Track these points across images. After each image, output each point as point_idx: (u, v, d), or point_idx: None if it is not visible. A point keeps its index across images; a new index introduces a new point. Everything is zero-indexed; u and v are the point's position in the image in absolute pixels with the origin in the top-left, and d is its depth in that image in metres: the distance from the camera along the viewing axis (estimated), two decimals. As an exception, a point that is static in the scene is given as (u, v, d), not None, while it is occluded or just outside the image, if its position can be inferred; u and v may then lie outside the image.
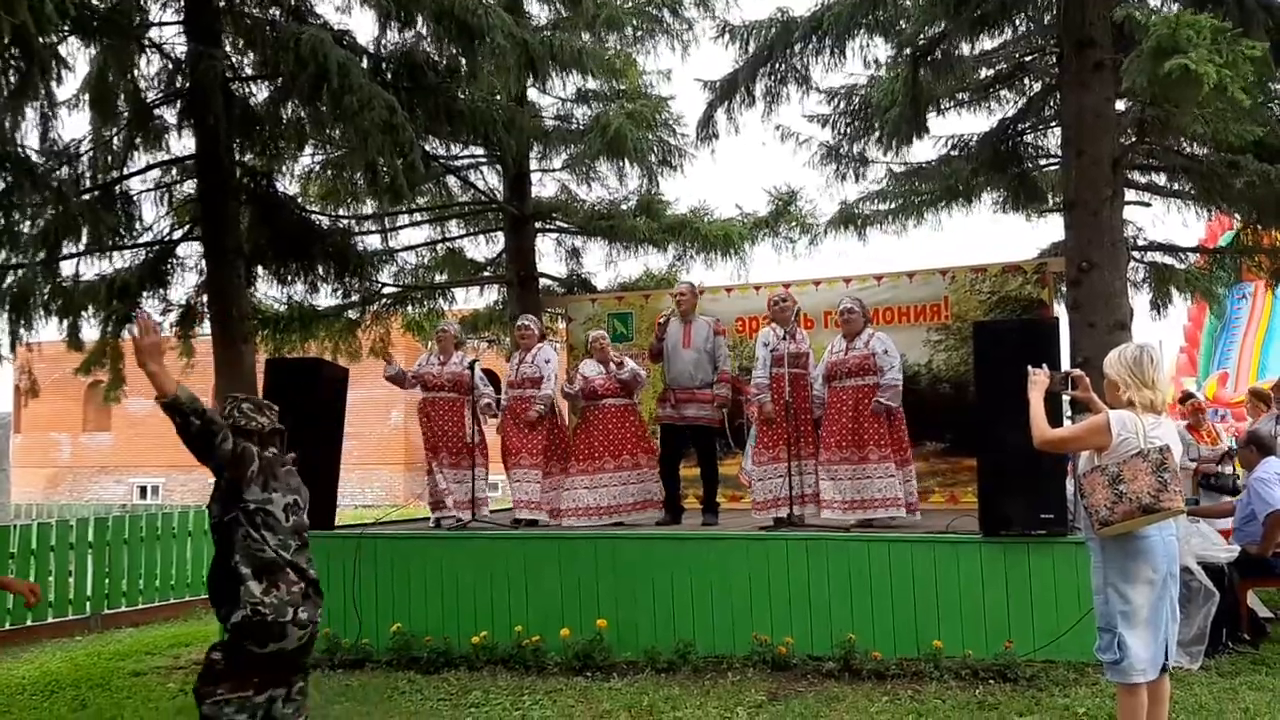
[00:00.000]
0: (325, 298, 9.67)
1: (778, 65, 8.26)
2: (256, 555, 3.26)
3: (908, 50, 7.64)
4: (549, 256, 11.52)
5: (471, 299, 11.75)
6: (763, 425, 6.63)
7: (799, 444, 6.53)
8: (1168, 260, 9.40)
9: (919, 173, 9.51)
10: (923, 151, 14.70)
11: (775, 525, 6.41)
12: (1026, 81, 8.81)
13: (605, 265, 11.91)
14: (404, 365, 7.52)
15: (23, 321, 7.56)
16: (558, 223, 11.19)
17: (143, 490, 25.34)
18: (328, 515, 7.35)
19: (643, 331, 9.44)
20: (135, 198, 8.15)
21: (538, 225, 10.94)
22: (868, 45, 8.07)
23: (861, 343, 6.52)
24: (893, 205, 9.86)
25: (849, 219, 10.13)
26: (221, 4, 7.48)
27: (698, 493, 8.05)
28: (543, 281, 11.20)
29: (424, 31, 7.39)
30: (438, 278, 11.38)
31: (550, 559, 6.39)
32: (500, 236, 11.23)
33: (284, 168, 8.92)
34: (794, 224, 10.50)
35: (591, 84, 9.97)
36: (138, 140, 7.87)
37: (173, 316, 8.55)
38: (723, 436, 8.90)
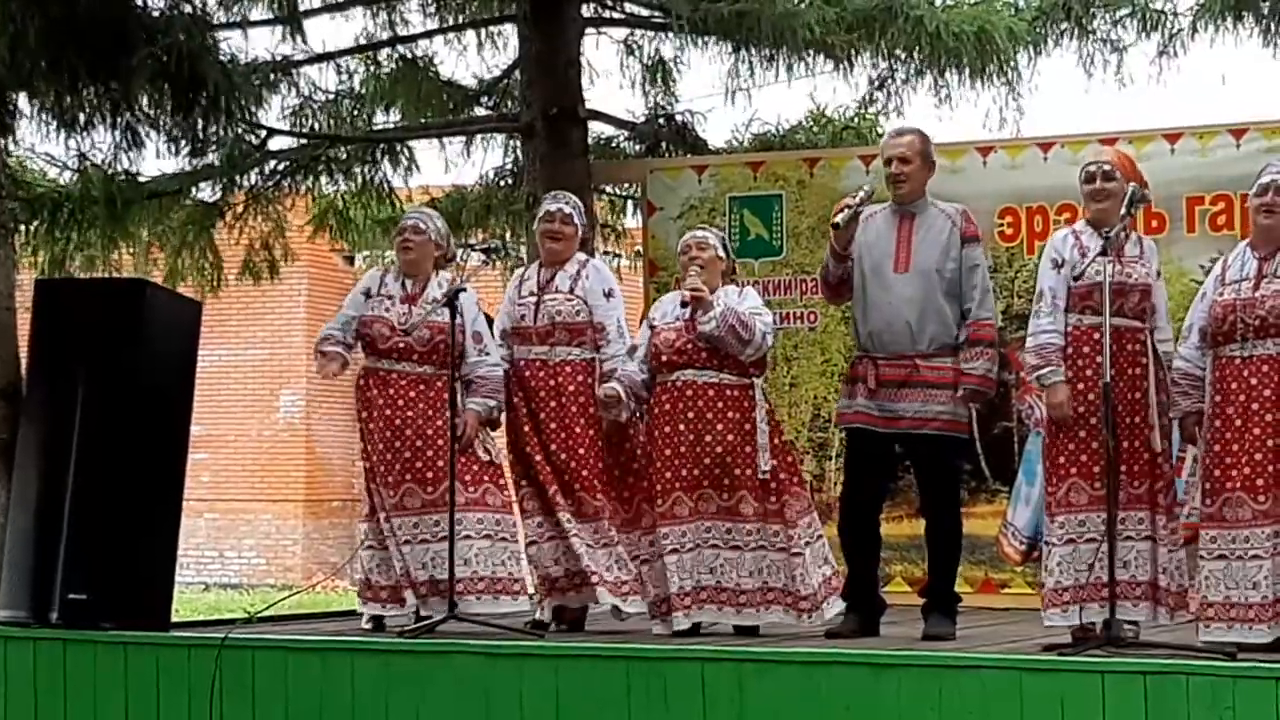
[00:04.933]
0: (157, 158, 9.86)
1: None
2: None
3: None
4: (611, 78, 11.36)
5: (452, 163, 11.80)
6: (1055, 433, 6.71)
7: (1153, 476, 6.63)
8: None
9: None
10: None
11: (1077, 640, 6.52)
12: None
13: (728, 96, 11.72)
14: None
15: None
16: (628, 6, 11.18)
17: None
18: (158, 601, 7.52)
19: (804, 235, 9.46)
20: None
21: (586, 12, 10.99)
22: None
23: None
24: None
25: (1242, 2, 10.26)
26: None
27: (910, 571, 7.91)
28: (596, 128, 11.17)
29: None
30: (381, 119, 11.49)
31: (612, 701, 6.50)
32: (510, 35, 11.21)
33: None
34: (1124, 10, 10.51)
35: None
36: None
37: None
38: (966, 455, 8.83)
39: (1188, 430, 6.72)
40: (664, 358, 7.19)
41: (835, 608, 7.15)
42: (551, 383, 7.42)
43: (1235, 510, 6.34)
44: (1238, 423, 6.38)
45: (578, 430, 7.40)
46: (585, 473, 7.39)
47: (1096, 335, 6.60)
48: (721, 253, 7.35)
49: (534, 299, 7.50)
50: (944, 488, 7.30)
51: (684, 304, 7.16)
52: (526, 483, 7.51)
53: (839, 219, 6.99)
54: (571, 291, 7.45)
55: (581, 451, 7.39)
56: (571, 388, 7.40)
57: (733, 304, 7.14)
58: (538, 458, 7.42)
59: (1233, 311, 6.45)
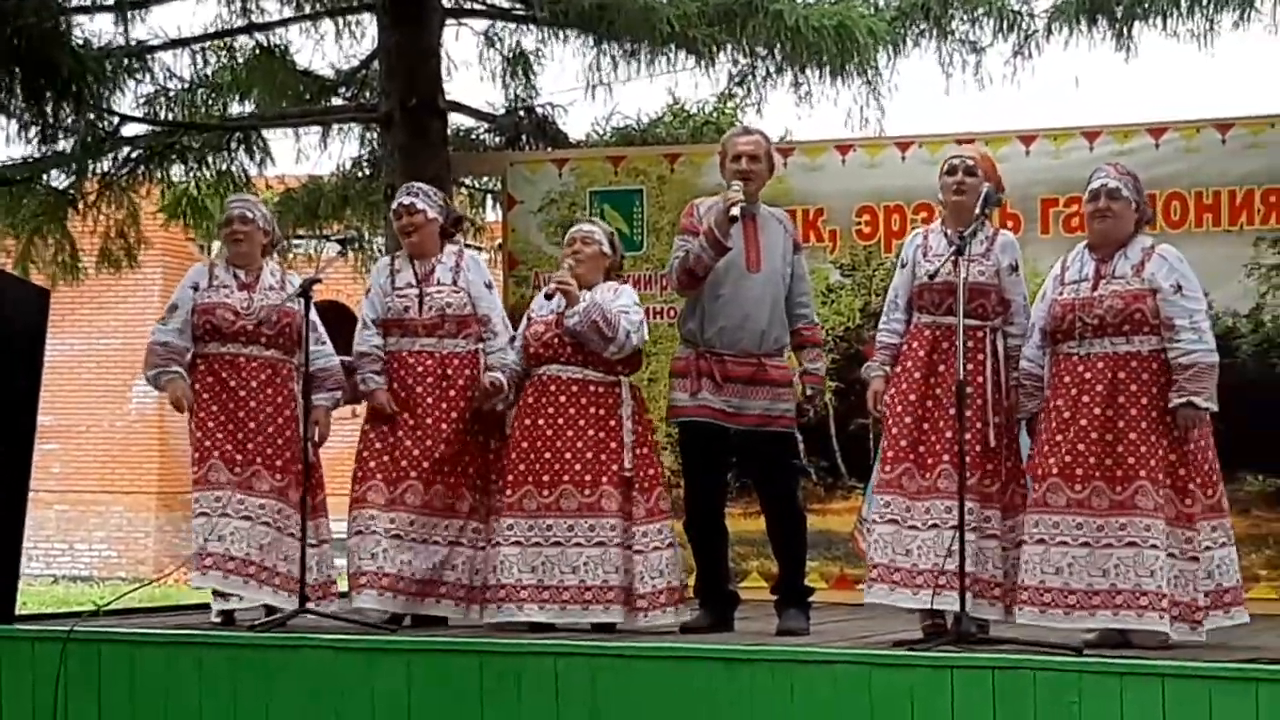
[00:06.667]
0: (5, 144, 9.73)
1: None
2: None
3: None
4: (471, 70, 11.37)
5: (308, 153, 11.75)
6: (894, 429, 6.85)
7: (983, 470, 6.72)
8: None
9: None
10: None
11: (928, 635, 6.63)
12: None
13: (588, 90, 11.74)
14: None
15: None
16: (490, -1, 11.17)
17: None
18: (1, 593, 7.45)
19: (665, 230, 9.49)
20: None
21: (447, 3, 10.97)
22: None
23: (1128, 264, 6.62)
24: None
25: (1097, 6, 10.32)
26: None
27: (767, 567, 7.98)
28: (456, 120, 11.14)
29: None
30: (235, 108, 11.40)
31: (465, 696, 6.49)
32: (368, 24, 11.19)
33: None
34: (981, 10, 10.68)
35: None
36: None
37: None
38: (822, 452, 8.92)
39: (1035, 430, 6.84)
40: (532, 350, 7.21)
41: (675, 616, 7.18)
42: (439, 371, 7.37)
43: (1054, 496, 6.52)
44: (1066, 414, 6.56)
45: (463, 425, 7.37)
46: (460, 468, 7.38)
47: (927, 333, 6.82)
48: (607, 249, 7.37)
49: (415, 290, 7.43)
50: (788, 483, 7.40)
51: (547, 296, 7.17)
52: (395, 475, 7.41)
53: (735, 212, 7.00)
54: (455, 284, 7.42)
55: (459, 447, 7.37)
56: (461, 381, 7.36)
57: (602, 300, 7.13)
58: (416, 451, 7.35)
59: (1071, 311, 6.59)
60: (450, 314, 7.37)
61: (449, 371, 7.36)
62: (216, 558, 7.25)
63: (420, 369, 7.38)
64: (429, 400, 7.35)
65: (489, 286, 7.52)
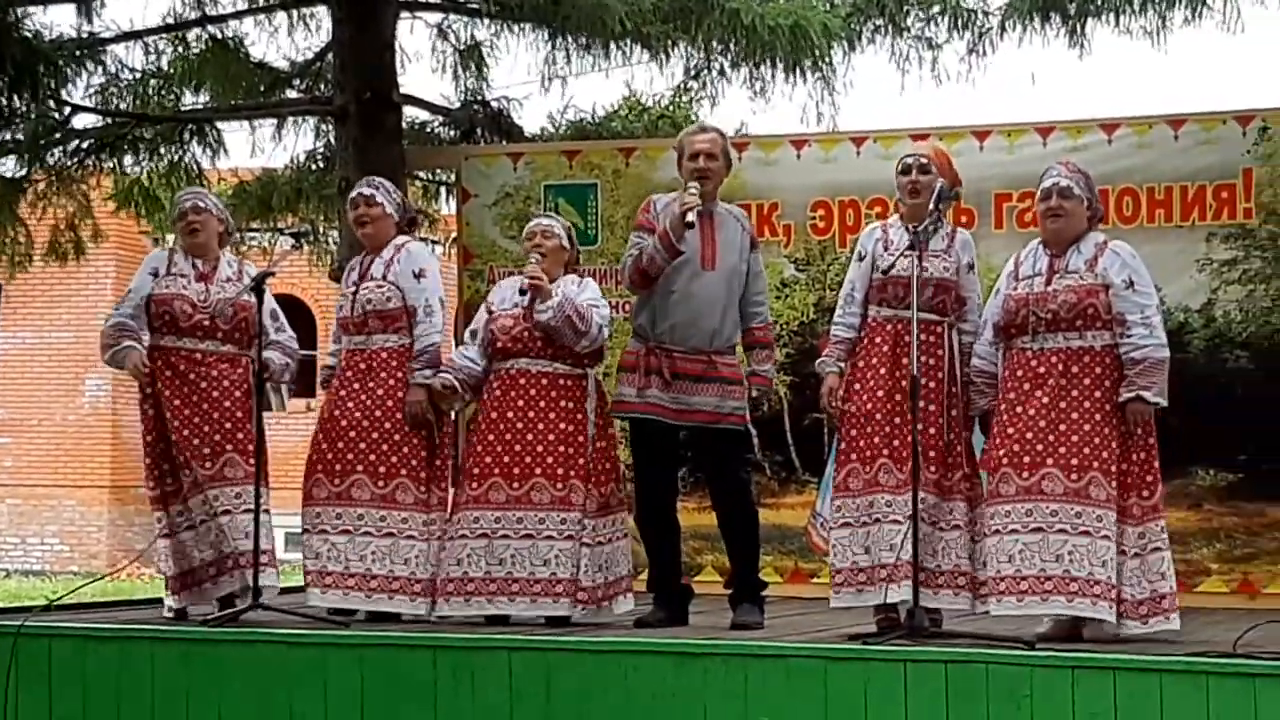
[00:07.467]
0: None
1: None
2: None
3: None
4: (424, 63, 11.37)
5: (262, 146, 11.71)
6: (850, 424, 6.88)
7: (939, 463, 6.77)
8: None
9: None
10: None
11: (882, 628, 6.67)
12: None
13: (543, 84, 11.78)
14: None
15: None
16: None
17: None
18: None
19: (619, 224, 9.51)
20: None
21: (402, -2, 10.98)
22: None
23: (1081, 259, 6.67)
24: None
25: (1050, 3, 10.43)
26: None
27: (721, 561, 7.99)
28: (410, 113, 11.10)
29: None
30: (189, 99, 11.37)
31: (418, 692, 6.48)
32: (322, 17, 11.16)
33: None
34: (936, 7, 10.72)
35: None
36: None
37: None
38: (776, 447, 8.92)
39: (988, 426, 6.87)
40: (499, 344, 7.17)
41: (625, 606, 7.22)
42: (363, 366, 7.35)
43: (1005, 486, 6.58)
44: (1018, 409, 6.61)
45: (378, 414, 7.31)
46: (394, 460, 7.33)
47: (889, 327, 6.84)
48: (566, 243, 7.36)
49: (354, 288, 7.43)
50: (739, 479, 7.41)
51: (522, 291, 7.15)
52: (322, 470, 7.41)
53: (691, 217, 6.98)
54: (384, 277, 7.37)
55: (376, 436, 7.30)
56: (384, 374, 7.32)
57: (571, 294, 7.14)
58: (330, 454, 7.34)
59: (1025, 305, 6.63)
60: (370, 310, 7.32)
61: (373, 365, 7.33)
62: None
63: (345, 365, 7.41)
64: (342, 393, 7.35)
65: (419, 275, 7.36)
